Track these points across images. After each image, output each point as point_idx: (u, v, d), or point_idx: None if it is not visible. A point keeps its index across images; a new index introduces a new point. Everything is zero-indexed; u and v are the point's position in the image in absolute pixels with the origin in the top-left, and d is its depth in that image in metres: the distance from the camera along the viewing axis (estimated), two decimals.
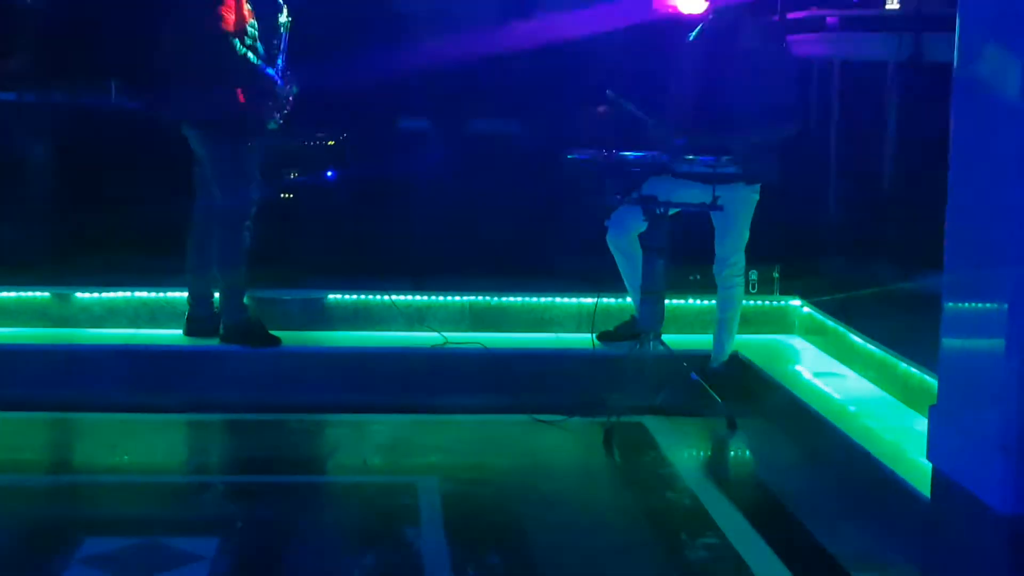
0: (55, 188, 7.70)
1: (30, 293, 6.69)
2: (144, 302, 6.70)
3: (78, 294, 6.71)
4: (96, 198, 7.48)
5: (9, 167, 7.50)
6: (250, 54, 6.18)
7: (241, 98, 6.21)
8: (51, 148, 7.62)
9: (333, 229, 7.75)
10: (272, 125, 6.42)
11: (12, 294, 6.67)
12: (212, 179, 6.35)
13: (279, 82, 6.30)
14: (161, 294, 6.69)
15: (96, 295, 6.70)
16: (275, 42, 6.35)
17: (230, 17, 6.12)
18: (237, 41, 6.12)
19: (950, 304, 4.08)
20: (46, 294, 6.70)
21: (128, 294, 6.71)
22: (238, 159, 6.33)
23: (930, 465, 4.24)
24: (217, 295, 6.53)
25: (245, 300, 6.48)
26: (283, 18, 6.34)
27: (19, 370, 6.21)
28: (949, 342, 4.12)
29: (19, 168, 7.56)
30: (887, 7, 7.43)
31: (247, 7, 6.23)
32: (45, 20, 7.82)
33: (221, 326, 6.46)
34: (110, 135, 6.87)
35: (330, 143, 7.95)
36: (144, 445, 5.73)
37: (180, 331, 6.57)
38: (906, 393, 5.58)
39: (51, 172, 7.68)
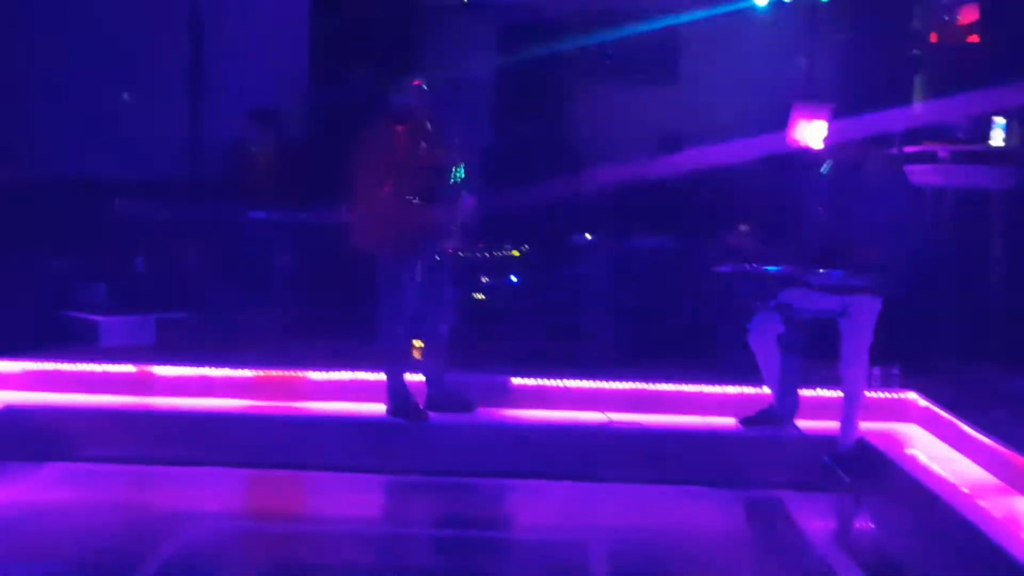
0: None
1: (273, 372, 6.84)
2: (364, 380, 6.73)
3: (311, 374, 6.83)
4: (332, 296, 7.60)
5: (264, 270, 7.73)
6: (409, 201, 6.16)
7: (394, 230, 6.20)
8: (294, 255, 7.80)
9: (516, 325, 7.80)
10: (448, 241, 6.39)
11: (261, 373, 6.85)
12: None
13: (437, 217, 6.26)
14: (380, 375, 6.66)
15: (326, 375, 6.82)
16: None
17: (386, 180, 6.16)
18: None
19: None
20: (287, 373, 6.83)
21: (352, 375, 6.81)
22: (390, 278, 6.31)
23: None
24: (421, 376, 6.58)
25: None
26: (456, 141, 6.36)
27: (259, 436, 6.33)
28: None
29: (271, 271, 7.76)
30: (991, 143, 7.31)
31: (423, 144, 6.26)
32: (292, 159, 8.15)
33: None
34: (341, 246, 7.02)
35: (515, 254, 8.07)
36: (362, 500, 5.83)
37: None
38: (1011, 477, 5.39)
39: (295, 276, 7.85)
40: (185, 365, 6.87)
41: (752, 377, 6.26)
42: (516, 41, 9.30)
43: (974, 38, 7.95)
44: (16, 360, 6.89)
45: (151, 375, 6.86)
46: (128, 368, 6.88)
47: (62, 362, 6.89)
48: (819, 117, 6.93)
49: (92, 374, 6.85)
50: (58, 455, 6.14)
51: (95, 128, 8.97)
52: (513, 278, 7.91)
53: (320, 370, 6.83)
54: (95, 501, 5.70)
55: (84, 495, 5.79)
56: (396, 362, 6.49)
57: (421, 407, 6.51)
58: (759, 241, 6.26)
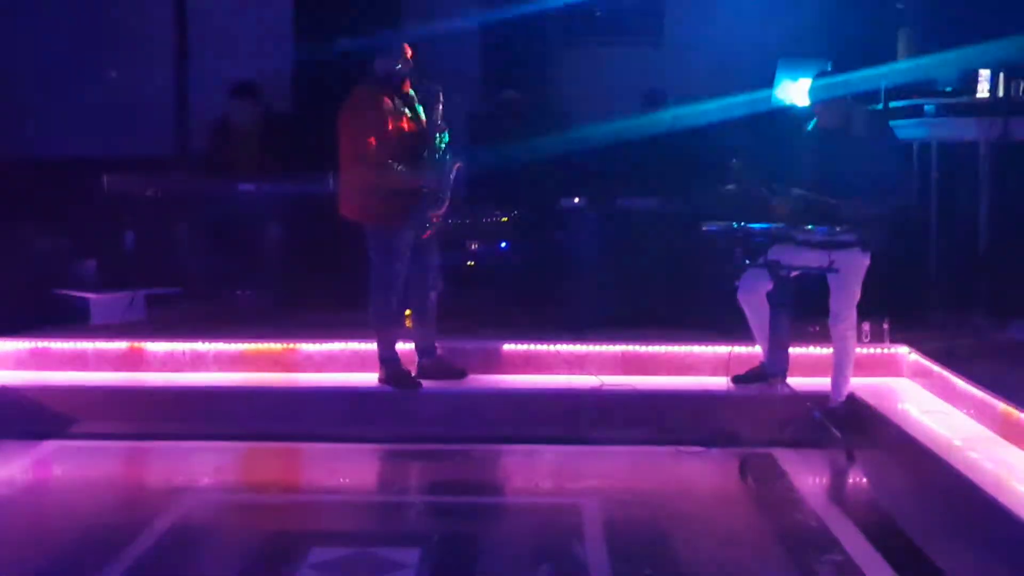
0: None
1: (265, 345, 6.80)
2: (356, 350, 6.73)
3: (303, 345, 6.79)
4: (323, 266, 7.54)
5: (254, 243, 7.62)
6: (395, 168, 6.09)
7: (381, 201, 6.15)
8: (283, 226, 7.65)
9: (507, 290, 7.79)
10: (435, 208, 6.26)
11: (252, 345, 6.81)
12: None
13: (424, 184, 6.19)
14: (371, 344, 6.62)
15: (317, 346, 6.79)
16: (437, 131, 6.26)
17: (371, 147, 6.08)
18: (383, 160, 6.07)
19: None
20: (278, 345, 6.81)
21: (343, 345, 6.77)
22: (380, 246, 6.28)
23: None
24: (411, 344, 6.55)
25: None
26: (440, 106, 6.27)
27: (256, 407, 6.33)
28: None
29: (261, 243, 7.63)
30: (977, 95, 7.24)
31: (408, 114, 6.19)
32: (278, 130, 8.04)
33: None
34: (330, 216, 6.96)
35: (503, 219, 8.02)
36: (355, 469, 5.81)
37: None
38: (1004, 429, 5.36)
39: (285, 247, 7.69)
40: (177, 340, 6.83)
41: (742, 335, 6.21)
42: (501, 3, 9.19)
43: None
44: (8, 339, 6.85)
45: (143, 351, 6.81)
46: (120, 344, 6.83)
47: (54, 340, 6.85)
48: (804, 74, 6.85)
49: (84, 351, 6.81)
50: (52, 433, 6.12)
51: (81, 106, 8.88)
52: (502, 244, 7.84)
53: (311, 341, 6.79)
54: (90, 477, 5.68)
55: (79, 472, 5.78)
56: (387, 331, 6.44)
57: (413, 375, 6.47)
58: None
